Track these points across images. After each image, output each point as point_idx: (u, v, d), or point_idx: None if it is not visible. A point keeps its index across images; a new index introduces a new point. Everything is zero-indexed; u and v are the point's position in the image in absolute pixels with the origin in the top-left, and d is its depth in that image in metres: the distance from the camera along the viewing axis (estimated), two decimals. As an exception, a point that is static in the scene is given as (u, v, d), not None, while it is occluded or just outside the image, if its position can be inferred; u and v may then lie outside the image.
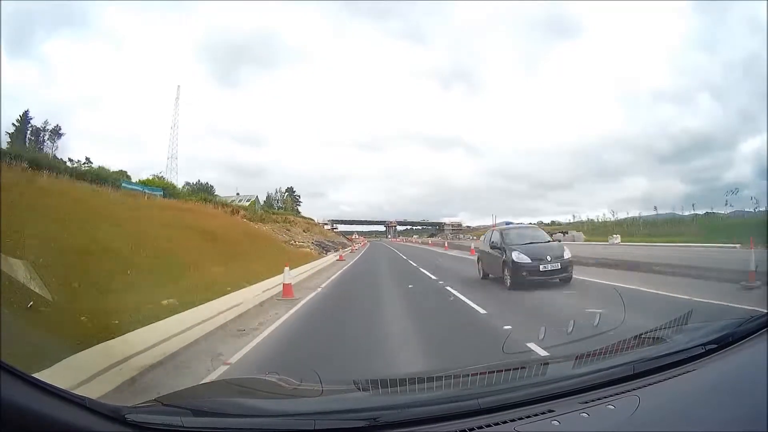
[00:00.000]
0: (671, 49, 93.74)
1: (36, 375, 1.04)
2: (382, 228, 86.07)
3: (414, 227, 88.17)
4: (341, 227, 73.83)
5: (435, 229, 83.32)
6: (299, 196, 61.42)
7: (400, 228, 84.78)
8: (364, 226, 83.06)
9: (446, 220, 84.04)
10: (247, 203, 37.51)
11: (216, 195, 34.97)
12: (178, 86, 57.25)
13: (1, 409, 0.82)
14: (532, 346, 3.26)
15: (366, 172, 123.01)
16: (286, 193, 59.65)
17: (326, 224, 62.34)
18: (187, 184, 38.18)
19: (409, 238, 70.05)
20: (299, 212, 53.27)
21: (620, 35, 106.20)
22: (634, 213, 42.81)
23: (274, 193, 57.33)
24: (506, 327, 5.14)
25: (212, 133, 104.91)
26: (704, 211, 36.72)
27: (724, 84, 75.01)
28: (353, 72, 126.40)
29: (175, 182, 37.24)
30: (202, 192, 32.93)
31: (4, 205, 6.49)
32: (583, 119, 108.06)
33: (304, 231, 32.32)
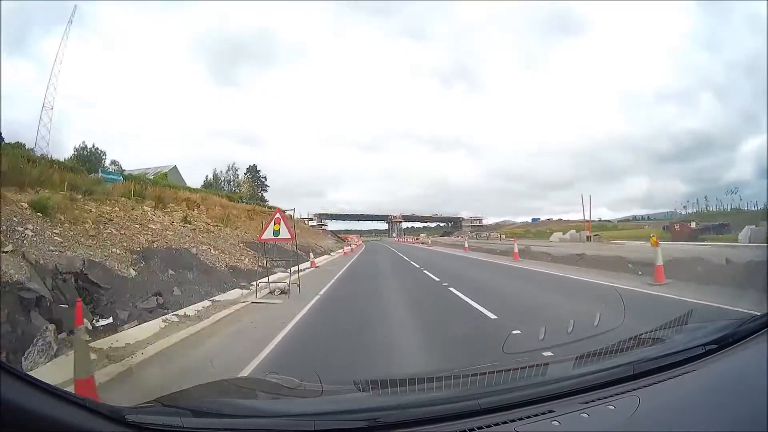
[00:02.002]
0: (673, 48, 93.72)
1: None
2: (383, 226, 74.89)
3: (422, 224, 76.10)
4: (335, 225, 61.22)
5: (449, 226, 72.04)
6: (265, 179, 47.04)
7: (405, 225, 73.92)
8: (362, 222, 71.83)
9: (464, 214, 71.49)
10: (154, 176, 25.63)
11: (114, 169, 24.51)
12: (75, 6, 43.46)
13: (1, 409, 0.82)
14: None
15: (366, 172, 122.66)
16: (247, 173, 44.95)
17: (311, 219, 50.76)
18: (75, 149, 28.92)
19: (417, 238, 56.05)
20: (264, 199, 39.98)
21: (622, 35, 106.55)
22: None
23: (224, 172, 42.84)
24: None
25: (211, 132, 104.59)
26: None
27: (725, 84, 74.90)
28: (353, 71, 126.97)
29: (47, 140, 28.70)
30: (86, 161, 22.85)
31: None
32: (585, 119, 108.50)
33: (210, 227, 14.29)
